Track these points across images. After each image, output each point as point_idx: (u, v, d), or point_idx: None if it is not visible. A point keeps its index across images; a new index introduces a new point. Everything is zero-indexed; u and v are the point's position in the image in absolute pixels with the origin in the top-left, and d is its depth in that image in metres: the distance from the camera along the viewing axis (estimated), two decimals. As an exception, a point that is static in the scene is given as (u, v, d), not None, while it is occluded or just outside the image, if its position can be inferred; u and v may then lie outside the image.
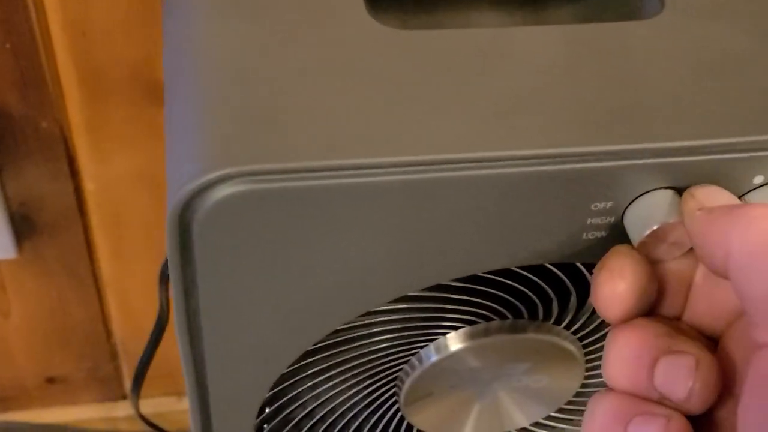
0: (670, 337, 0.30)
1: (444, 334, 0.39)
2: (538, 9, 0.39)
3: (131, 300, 0.96)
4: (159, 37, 0.74)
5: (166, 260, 0.66)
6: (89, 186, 0.84)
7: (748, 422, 0.27)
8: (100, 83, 0.76)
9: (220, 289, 0.31)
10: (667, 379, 0.29)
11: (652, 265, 0.32)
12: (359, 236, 0.30)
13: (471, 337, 0.39)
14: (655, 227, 0.31)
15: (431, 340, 0.39)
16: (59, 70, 0.75)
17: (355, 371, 0.39)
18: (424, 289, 0.35)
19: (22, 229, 0.86)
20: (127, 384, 1.05)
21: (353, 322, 0.36)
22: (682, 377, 0.29)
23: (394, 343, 0.38)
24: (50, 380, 1.03)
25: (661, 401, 0.30)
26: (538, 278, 0.36)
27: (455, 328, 0.38)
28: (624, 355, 0.30)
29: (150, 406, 1.05)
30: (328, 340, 0.36)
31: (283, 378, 0.37)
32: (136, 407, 0.80)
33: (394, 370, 0.39)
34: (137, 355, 1.03)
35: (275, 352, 0.34)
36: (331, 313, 0.33)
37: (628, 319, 0.31)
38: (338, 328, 0.35)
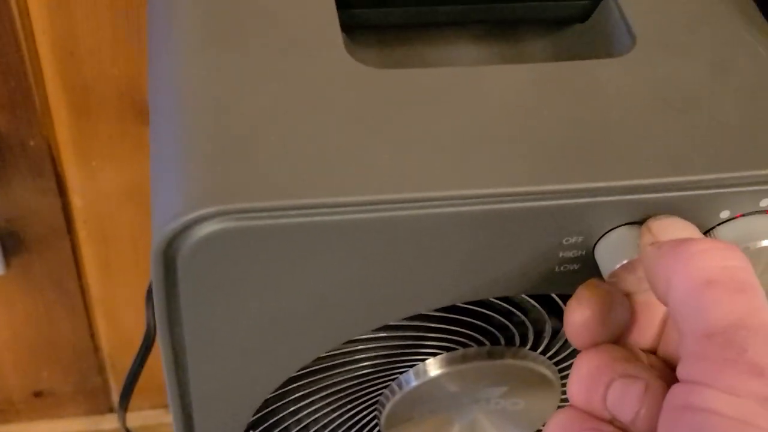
0: (626, 362, 0.31)
1: (423, 360, 0.40)
2: (514, 42, 0.40)
3: (118, 314, 0.97)
4: (145, 56, 0.75)
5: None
6: (77, 202, 0.85)
7: None
8: (88, 101, 0.77)
9: (204, 320, 0.32)
10: (616, 401, 0.31)
11: (624, 297, 0.33)
12: (339, 270, 0.31)
13: (449, 363, 0.40)
14: (624, 262, 0.32)
15: (411, 366, 0.40)
16: (47, 89, 0.76)
17: (337, 396, 0.40)
18: (404, 318, 0.36)
19: (10, 245, 0.87)
20: (115, 397, 1.06)
21: (336, 350, 0.37)
22: (630, 401, 0.30)
23: (375, 369, 0.39)
24: (37, 394, 1.03)
25: (612, 422, 0.31)
26: (514, 307, 0.38)
27: (434, 354, 0.39)
28: (583, 375, 0.32)
29: (138, 419, 1.06)
30: (312, 366, 0.36)
31: (267, 402, 0.37)
32: (123, 422, 0.80)
33: (374, 394, 0.40)
34: (124, 369, 1.04)
35: (259, 378, 0.35)
36: (314, 342, 0.34)
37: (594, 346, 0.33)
38: (321, 355, 0.36)
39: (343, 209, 0.30)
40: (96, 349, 1.00)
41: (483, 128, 0.32)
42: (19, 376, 1.01)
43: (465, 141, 0.32)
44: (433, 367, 0.40)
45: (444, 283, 0.33)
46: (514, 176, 0.31)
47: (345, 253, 0.31)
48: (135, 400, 1.05)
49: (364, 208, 0.30)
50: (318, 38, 0.34)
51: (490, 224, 0.31)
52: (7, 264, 0.88)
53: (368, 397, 0.41)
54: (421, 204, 0.30)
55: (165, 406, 1.08)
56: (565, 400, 0.43)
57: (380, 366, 0.39)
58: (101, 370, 1.03)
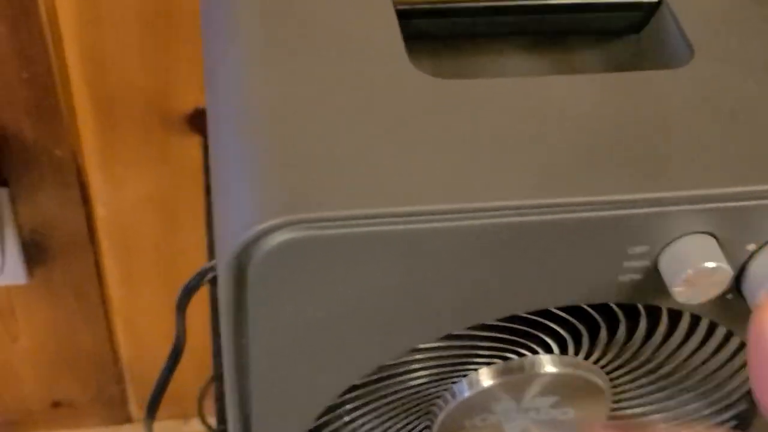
0: None
1: (475, 369, 0.40)
2: (564, 53, 0.40)
3: (139, 324, 0.97)
4: (173, 65, 0.75)
5: (185, 288, 0.66)
6: (100, 212, 0.85)
7: None
8: (114, 110, 0.78)
9: (271, 328, 0.32)
10: None
11: None
12: (408, 279, 0.31)
13: (502, 373, 0.40)
14: (690, 272, 0.32)
15: (463, 375, 0.40)
16: (74, 99, 0.76)
17: (391, 406, 0.40)
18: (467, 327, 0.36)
19: (33, 255, 0.87)
20: (132, 407, 1.06)
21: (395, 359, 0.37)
22: None
23: (430, 378, 0.39)
24: (56, 404, 1.03)
25: None
26: (569, 314, 0.38)
27: (487, 364, 0.39)
28: None
29: (156, 429, 1.05)
30: (370, 376, 0.36)
31: (321, 414, 0.37)
32: (149, 432, 0.80)
33: (427, 404, 0.40)
34: (143, 379, 1.04)
35: (321, 387, 0.35)
36: (379, 349, 0.34)
37: None
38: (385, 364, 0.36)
39: (414, 218, 0.30)
40: (115, 359, 1.00)
41: (549, 139, 0.32)
42: (39, 387, 1.00)
43: (532, 152, 0.32)
44: (485, 376, 0.40)
45: (508, 293, 0.33)
46: (583, 186, 0.31)
47: (415, 262, 0.31)
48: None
49: (436, 217, 0.30)
50: (383, 48, 0.34)
51: (558, 233, 0.31)
52: (30, 274, 0.88)
53: (421, 406, 0.41)
54: (490, 213, 0.30)
55: (182, 416, 1.08)
56: (615, 409, 0.43)
57: (435, 376, 0.39)
58: (120, 380, 1.03)
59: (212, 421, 1.02)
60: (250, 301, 0.31)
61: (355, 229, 0.30)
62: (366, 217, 0.29)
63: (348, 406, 0.39)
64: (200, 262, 0.91)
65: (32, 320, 0.93)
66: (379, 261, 0.31)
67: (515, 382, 0.40)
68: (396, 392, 0.39)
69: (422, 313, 0.33)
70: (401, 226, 0.30)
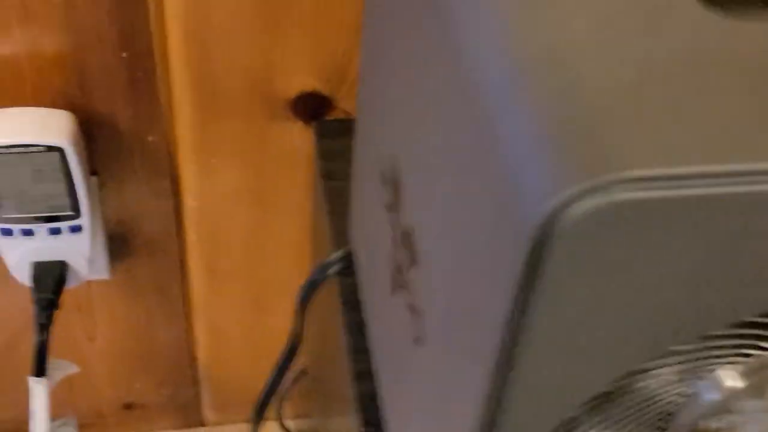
0: None
1: (720, 364, 0.35)
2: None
3: (219, 323, 0.92)
4: (281, 45, 0.70)
5: (308, 283, 0.61)
6: (191, 203, 0.80)
7: None
8: (214, 94, 0.73)
9: (564, 310, 0.27)
10: None
11: None
12: (731, 252, 0.27)
13: (750, 372, 0.35)
14: None
15: (709, 372, 0.35)
16: (173, 81, 0.71)
17: (632, 411, 0.35)
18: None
19: (117, 248, 0.82)
20: (206, 411, 1.01)
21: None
22: None
23: (683, 376, 0.34)
24: (128, 406, 0.98)
25: None
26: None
27: (735, 355, 0.35)
28: None
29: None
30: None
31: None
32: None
33: (667, 404, 0.36)
34: (219, 382, 0.99)
35: (596, 372, 0.30)
36: (670, 335, 0.29)
37: None
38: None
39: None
40: (192, 359, 0.95)
41: None
42: (112, 388, 0.96)
43: None
44: (729, 376, 0.35)
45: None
46: None
47: (747, 231, 0.26)
48: (230, 413, 1.00)
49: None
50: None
51: None
52: (112, 268, 0.83)
53: (661, 406, 0.36)
54: None
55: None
56: None
57: (689, 371, 0.34)
58: (195, 382, 0.98)
59: (290, 424, 0.97)
60: (546, 280, 0.26)
61: (697, 190, 0.25)
62: (710, 176, 0.25)
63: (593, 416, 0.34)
64: (289, 259, 0.87)
65: (111, 318, 0.88)
66: (710, 229, 0.26)
67: (762, 382, 0.35)
68: (641, 390, 0.34)
69: (728, 294, 0.28)
70: (751, 187, 0.25)
